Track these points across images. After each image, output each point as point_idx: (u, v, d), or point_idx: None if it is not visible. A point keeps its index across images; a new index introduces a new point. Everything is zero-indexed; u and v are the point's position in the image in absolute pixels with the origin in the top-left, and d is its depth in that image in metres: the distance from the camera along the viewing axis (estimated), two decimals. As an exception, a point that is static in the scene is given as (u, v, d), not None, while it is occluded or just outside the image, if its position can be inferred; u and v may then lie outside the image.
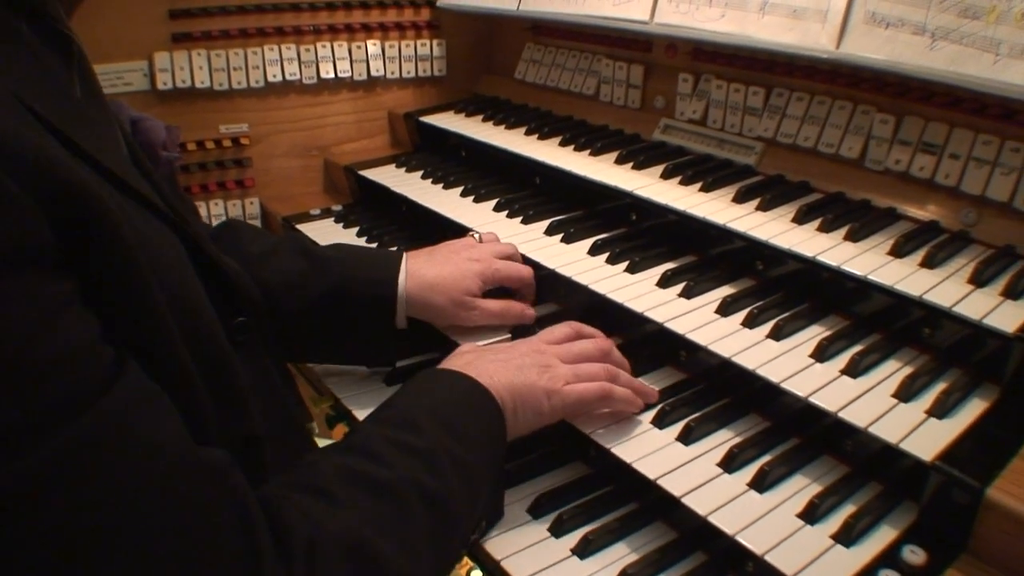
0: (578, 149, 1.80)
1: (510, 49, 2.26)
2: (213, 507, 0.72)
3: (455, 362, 1.15)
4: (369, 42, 2.15)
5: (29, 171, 0.63)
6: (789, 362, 1.18)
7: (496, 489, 1.12)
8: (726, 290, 1.38)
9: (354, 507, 0.85)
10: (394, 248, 1.62)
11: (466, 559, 1.11)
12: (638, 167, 1.66)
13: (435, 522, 0.92)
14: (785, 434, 1.18)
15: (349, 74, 2.13)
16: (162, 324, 0.76)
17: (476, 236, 1.53)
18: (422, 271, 1.36)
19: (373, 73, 2.17)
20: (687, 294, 1.36)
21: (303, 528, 0.79)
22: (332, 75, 2.11)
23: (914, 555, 0.97)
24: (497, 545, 1.11)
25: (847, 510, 1.04)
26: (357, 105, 2.19)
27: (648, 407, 1.23)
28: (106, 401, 0.66)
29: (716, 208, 1.45)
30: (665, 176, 1.61)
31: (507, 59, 2.27)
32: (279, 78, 2.03)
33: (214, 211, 2.01)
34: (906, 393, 1.09)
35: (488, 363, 1.14)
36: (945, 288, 1.18)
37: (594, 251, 1.52)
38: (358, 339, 1.37)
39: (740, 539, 1.00)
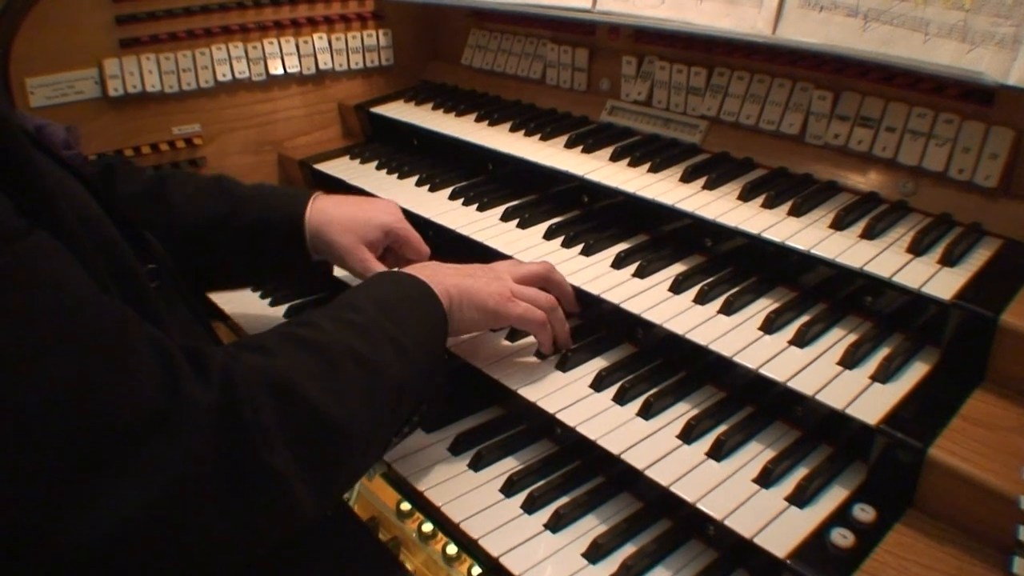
0: (528, 134, 1.83)
1: (455, 35, 2.28)
2: (124, 333, 0.76)
3: (411, 267, 1.25)
4: (315, 36, 2.15)
5: None
6: (740, 336, 1.23)
7: (437, 380, 1.20)
8: (678, 268, 1.43)
9: (284, 356, 0.93)
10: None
11: (441, 535, 1.15)
12: (587, 150, 1.71)
13: (367, 382, 0.99)
14: (739, 403, 1.25)
15: (298, 69, 2.14)
16: (78, 242, 0.79)
17: None
18: (327, 208, 1.44)
19: (321, 66, 2.17)
20: (640, 274, 1.41)
21: (220, 357, 0.85)
22: (281, 71, 2.11)
23: (864, 513, 1.03)
24: (473, 524, 1.15)
25: (800, 473, 1.11)
26: (307, 99, 2.20)
27: (609, 384, 1.28)
28: (19, 245, 0.70)
29: (664, 189, 1.50)
30: (614, 158, 1.65)
31: (453, 45, 2.29)
32: (228, 77, 2.03)
33: (170, 212, 2.01)
34: (851, 360, 1.16)
35: (442, 268, 1.26)
36: (885, 258, 1.24)
37: (549, 235, 1.56)
38: (278, 267, 1.52)
39: (701, 506, 1.06)
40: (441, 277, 1.22)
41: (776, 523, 1.03)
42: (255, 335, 1.01)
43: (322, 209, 1.43)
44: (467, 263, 1.57)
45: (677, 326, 1.26)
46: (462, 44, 2.24)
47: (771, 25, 1.34)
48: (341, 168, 2.02)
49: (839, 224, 1.33)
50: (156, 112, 1.98)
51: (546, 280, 1.36)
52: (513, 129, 1.87)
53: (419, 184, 1.85)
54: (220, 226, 1.40)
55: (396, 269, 1.26)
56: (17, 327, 0.68)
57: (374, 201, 1.52)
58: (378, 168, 1.98)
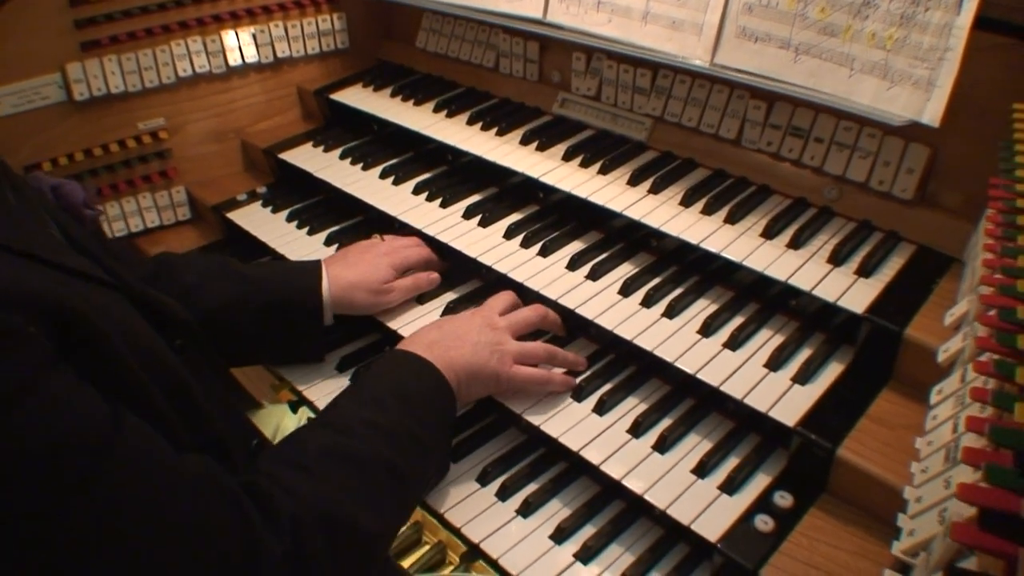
0: (485, 128, 1.94)
1: (409, 16, 2.33)
2: (213, 507, 0.93)
3: (419, 343, 1.37)
4: (271, 24, 2.20)
5: (25, 304, 0.82)
6: (680, 340, 1.40)
7: (444, 454, 1.37)
8: (627, 268, 1.59)
9: (329, 480, 1.09)
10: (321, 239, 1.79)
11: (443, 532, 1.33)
12: (541, 148, 1.83)
13: (397, 490, 1.17)
14: (681, 396, 1.42)
15: (256, 58, 2.19)
16: (132, 373, 0.95)
17: (379, 238, 1.72)
18: (342, 275, 1.57)
19: (279, 54, 2.23)
20: (593, 276, 1.56)
21: (287, 506, 1.00)
22: (239, 61, 2.17)
23: (783, 500, 1.22)
24: (456, 513, 1.33)
25: (731, 463, 1.29)
26: (266, 85, 2.26)
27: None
28: (118, 454, 0.85)
29: (613, 194, 1.64)
30: (566, 158, 1.78)
31: (407, 26, 2.35)
32: (189, 71, 2.09)
33: (143, 204, 2.09)
34: (775, 363, 1.34)
35: (449, 342, 1.37)
36: (807, 270, 1.41)
37: (508, 235, 1.70)
38: (293, 343, 1.59)
39: (647, 497, 1.24)
40: (451, 357, 1.34)
41: (710, 510, 1.22)
42: (295, 446, 1.15)
43: (340, 276, 1.55)
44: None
45: (626, 331, 1.42)
46: (416, 25, 2.30)
47: (710, 53, 1.47)
48: (306, 157, 2.10)
49: (769, 233, 1.49)
50: (120, 110, 2.04)
51: (542, 325, 1.51)
52: (470, 122, 1.98)
53: (383, 176, 1.96)
54: (237, 307, 1.49)
55: (408, 348, 1.36)
56: (120, 532, 0.84)
57: (368, 249, 1.65)
58: (342, 157, 2.07)
